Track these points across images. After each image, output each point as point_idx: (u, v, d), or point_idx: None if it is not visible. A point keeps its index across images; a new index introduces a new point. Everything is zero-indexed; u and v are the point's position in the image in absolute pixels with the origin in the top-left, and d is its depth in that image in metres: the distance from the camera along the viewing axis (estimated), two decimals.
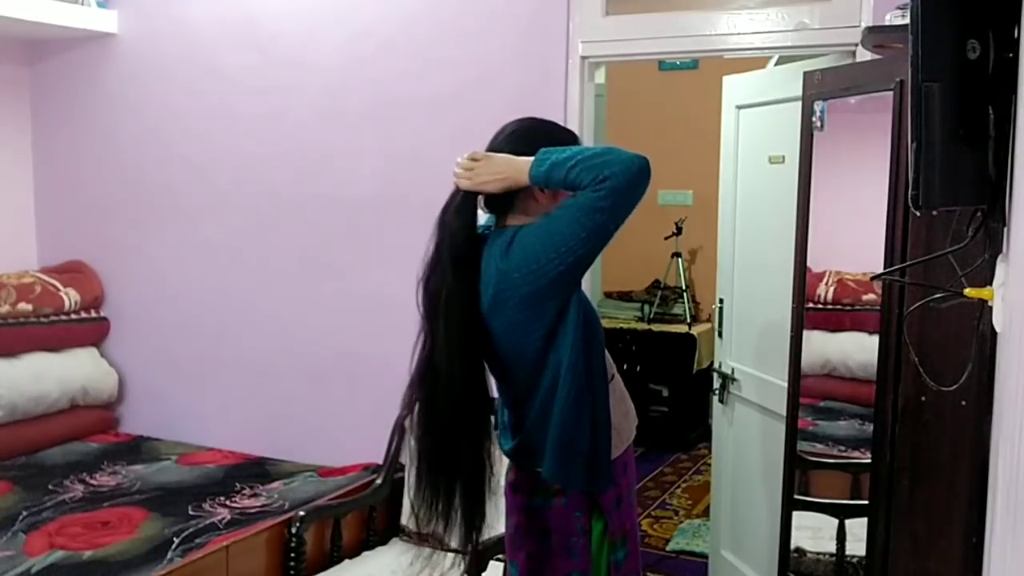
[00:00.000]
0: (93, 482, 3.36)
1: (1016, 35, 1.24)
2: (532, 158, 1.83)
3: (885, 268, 2.18)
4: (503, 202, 1.93)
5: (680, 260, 5.75)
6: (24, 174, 4.18)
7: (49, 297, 3.86)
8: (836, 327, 2.82)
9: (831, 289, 2.80)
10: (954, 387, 1.68)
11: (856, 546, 2.47)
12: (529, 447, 1.96)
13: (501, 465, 2.05)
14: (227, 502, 3.16)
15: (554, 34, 3.20)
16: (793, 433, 2.60)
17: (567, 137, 2.01)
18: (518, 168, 1.84)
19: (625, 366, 5.39)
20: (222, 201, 3.83)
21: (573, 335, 1.85)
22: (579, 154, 1.79)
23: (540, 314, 1.85)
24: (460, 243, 1.90)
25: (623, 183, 1.73)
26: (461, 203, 1.91)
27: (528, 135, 1.95)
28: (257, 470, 3.51)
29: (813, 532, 2.67)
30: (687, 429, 5.59)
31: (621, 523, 2.00)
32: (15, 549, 2.76)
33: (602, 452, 1.92)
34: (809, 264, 2.55)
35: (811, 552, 2.68)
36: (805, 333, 2.58)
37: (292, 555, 2.91)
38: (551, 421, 1.89)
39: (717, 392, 3.46)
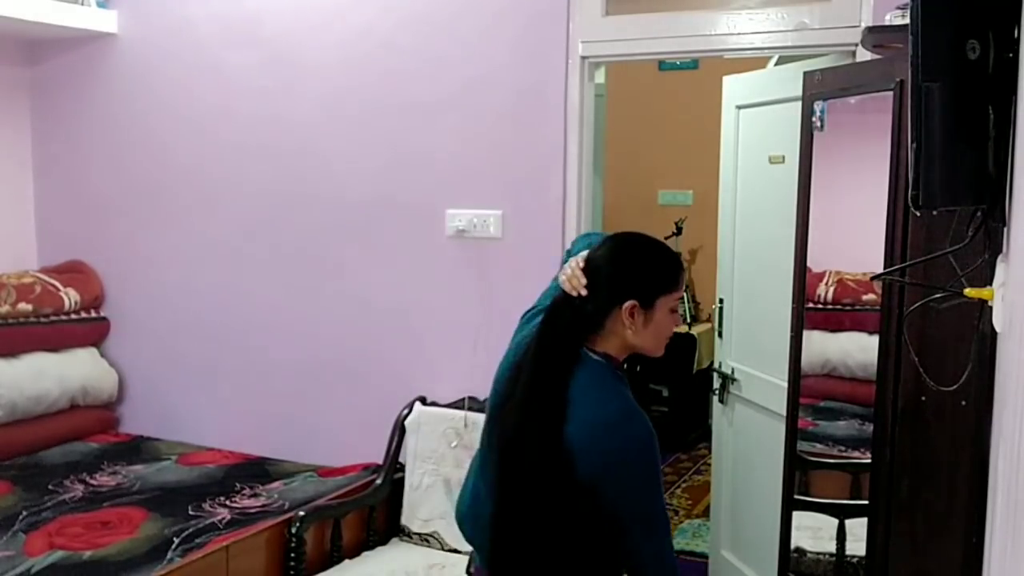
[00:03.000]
0: (93, 482, 3.36)
1: (1016, 35, 1.24)
2: None
3: (885, 268, 2.18)
4: (595, 319, 1.89)
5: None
6: (24, 174, 4.17)
7: (49, 297, 3.86)
8: (836, 327, 2.81)
9: (831, 289, 2.80)
10: (954, 387, 1.68)
11: (856, 546, 2.46)
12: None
13: None
14: (227, 502, 3.15)
15: (554, 34, 3.20)
16: (793, 433, 2.60)
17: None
18: None
19: (625, 366, 5.37)
20: (222, 201, 3.83)
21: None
22: None
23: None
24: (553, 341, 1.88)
25: None
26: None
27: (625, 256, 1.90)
28: (257, 470, 3.51)
29: (813, 532, 2.67)
30: (687, 429, 5.59)
31: None
32: (15, 549, 2.76)
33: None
34: (809, 264, 2.55)
35: (811, 552, 2.68)
36: (805, 333, 2.58)
37: (292, 555, 2.91)
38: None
39: (717, 392, 3.46)
